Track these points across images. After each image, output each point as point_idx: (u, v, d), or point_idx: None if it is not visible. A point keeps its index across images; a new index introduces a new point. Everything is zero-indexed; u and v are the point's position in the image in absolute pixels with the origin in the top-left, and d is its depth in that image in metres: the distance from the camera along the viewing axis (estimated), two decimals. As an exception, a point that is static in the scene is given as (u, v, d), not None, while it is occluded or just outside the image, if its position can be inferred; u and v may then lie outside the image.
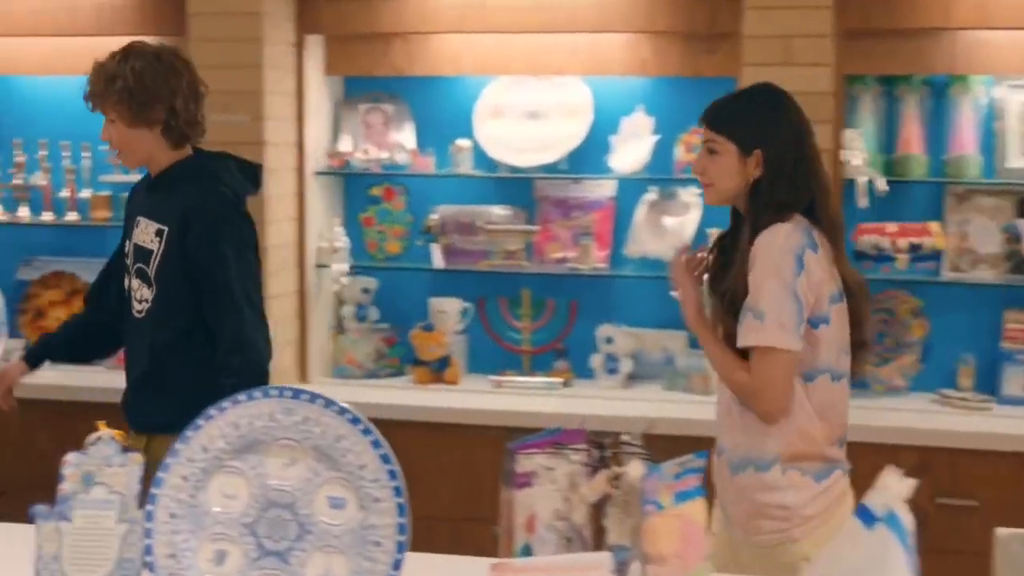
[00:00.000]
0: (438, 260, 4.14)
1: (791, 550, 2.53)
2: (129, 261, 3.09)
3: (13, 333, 4.43)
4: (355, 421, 1.80)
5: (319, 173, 4.15)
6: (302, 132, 4.07)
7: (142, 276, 3.03)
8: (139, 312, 3.03)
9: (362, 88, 4.30)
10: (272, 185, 3.88)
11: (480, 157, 4.15)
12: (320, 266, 4.15)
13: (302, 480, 1.81)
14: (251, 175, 3.17)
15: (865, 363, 2.82)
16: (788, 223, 2.53)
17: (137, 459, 1.94)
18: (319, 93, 4.16)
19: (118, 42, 4.22)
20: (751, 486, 2.57)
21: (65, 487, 1.94)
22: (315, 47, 4.11)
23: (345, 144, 4.23)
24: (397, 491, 1.78)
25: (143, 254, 3.04)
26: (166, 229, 2.99)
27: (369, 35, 4.09)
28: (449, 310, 4.16)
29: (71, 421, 3.87)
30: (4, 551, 2.10)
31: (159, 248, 3.00)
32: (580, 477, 1.86)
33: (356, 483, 1.79)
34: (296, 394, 1.82)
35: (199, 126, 3.09)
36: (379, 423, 3.73)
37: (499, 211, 4.19)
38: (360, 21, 4.01)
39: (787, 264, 2.49)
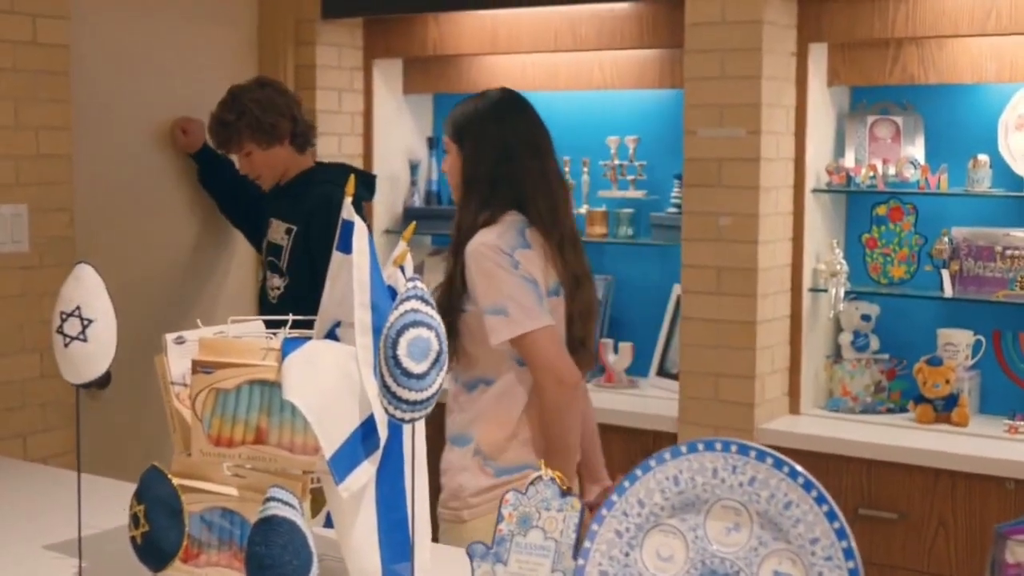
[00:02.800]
0: (948, 287, 3.74)
1: (459, 530, 2.76)
2: (264, 256, 3.75)
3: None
4: (808, 487, 1.55)
5: (817, 190, 3.87)
6: (801, 146, 3.82)
7: (273, 268, 3.65)
8: (273, 299, 3.63)
9: (870, 98, 3.98)
10: (766, 204, 3.67)
11: (1001, 174, 3.72)
12: (816, 290, 3.88)
13: (746, 549, 1.59)
14: (368, 184, 3.75)
15: (585, 365, 2.89)
16: (498, 225, 2.74)
17: (576, 505, 1.81)
18: (821, 105, 3.88)
19: (618, 56, 4.23)
20: (449, 463, 2.84)
21: (503, 528, 1.84)
22: (818, 56, 3.84)
23: (848, 159, 3.94)
24: (853, 573, 1.52)
25: (274, 249, 3.66)
26: (294, 228, 3.57)
27: (879, 41, 3.77)
28: (959, 343, 3.75)
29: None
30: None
31: (288, 244, 3.62)
32: (1086, 579, 1.52)
33: (807, 559, 1.55)
34: (743, 450, 1.60)
35: (314, 130, 3.74)
36: (872, 464, 3.48)
37: (1022, 235, 3.72)
38: (869, 26, 3.69)
39: (503, 259, 2.69)
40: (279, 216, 3.69)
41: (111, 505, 2.45)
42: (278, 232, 3.68)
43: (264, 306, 3.68)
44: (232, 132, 3.63)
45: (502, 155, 2.82)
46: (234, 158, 3.84)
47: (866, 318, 3.91)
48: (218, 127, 3.66)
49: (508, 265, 2.70)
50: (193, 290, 4.21)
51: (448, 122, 2.92)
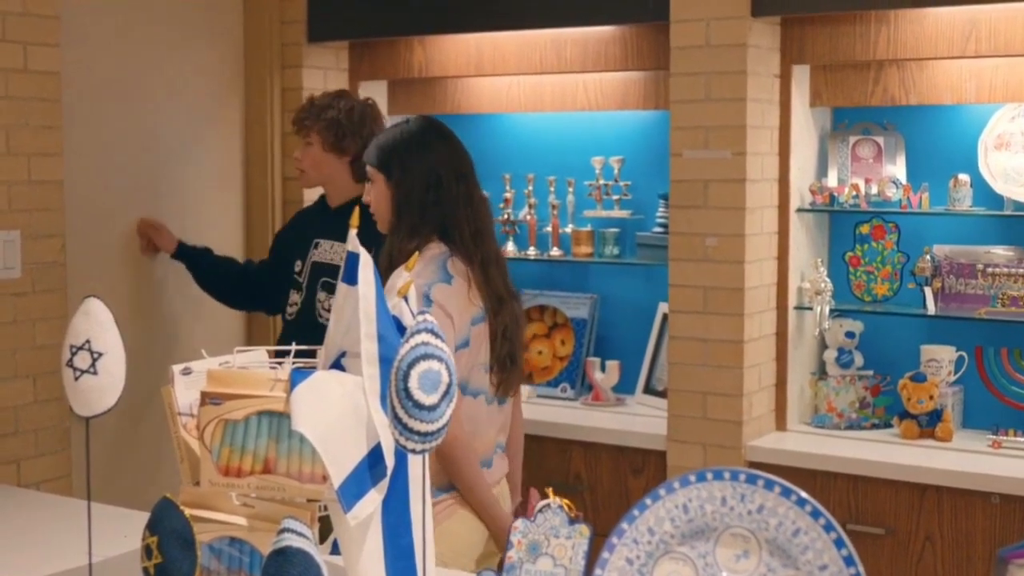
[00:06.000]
0: (931, 304, 3.80)
1: None
2: (302, 279, 3.76)
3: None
4: (816, 515, 1.60)
5: (801, 210, 3.93)
6: (785, 167, 3.87)
7: (328, 288, 3.62)
8: (327, 320, 3.62)
9: (852, 119, 4.04)
10: (752, 224, 3.72)
11: (982, 193, 3.78)
12: (801, 308, 3.94)
13: (755, 575, 1.64)
14: None
15: (513, 381, 2.97)
16: (419, 261, 2.74)
17: (584, 532, 1.84)
18: (804, 125, 3.93)
19: (602, 77, 4.28)
20: None
21: (512, 555, 1.87)
22: (801, 78, 3.89)
23: (831, 179, 3.99)
24: (862, 600, 1.56)
25: (328, 270, 3.67)
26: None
27: (861, 63, 3.82)
28: (942, 359, 3.81)
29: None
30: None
31: None
32: (1087, 602, 1.56)
33: (815, 585, 1.59)
34: (752, 479, 1.64)
35: None
36: (858, 479, 3.52)
37: (1003, 252, 3.80)
38: (851, 49, 3.75)
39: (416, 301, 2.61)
40: (335, 237, 3.72)
41: (112, 532, 2.46)
42: (334, 252, 3.73)
43: (311, 327, 3.64)
44: (311, 116, 3.73)
45: (430, 181, 2.90)
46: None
47: (850, 335, 3.96)
48: (308, 106, 3.77)
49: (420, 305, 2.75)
50: (181, 316, 4.23)
51: (372, 151, 2.98)
